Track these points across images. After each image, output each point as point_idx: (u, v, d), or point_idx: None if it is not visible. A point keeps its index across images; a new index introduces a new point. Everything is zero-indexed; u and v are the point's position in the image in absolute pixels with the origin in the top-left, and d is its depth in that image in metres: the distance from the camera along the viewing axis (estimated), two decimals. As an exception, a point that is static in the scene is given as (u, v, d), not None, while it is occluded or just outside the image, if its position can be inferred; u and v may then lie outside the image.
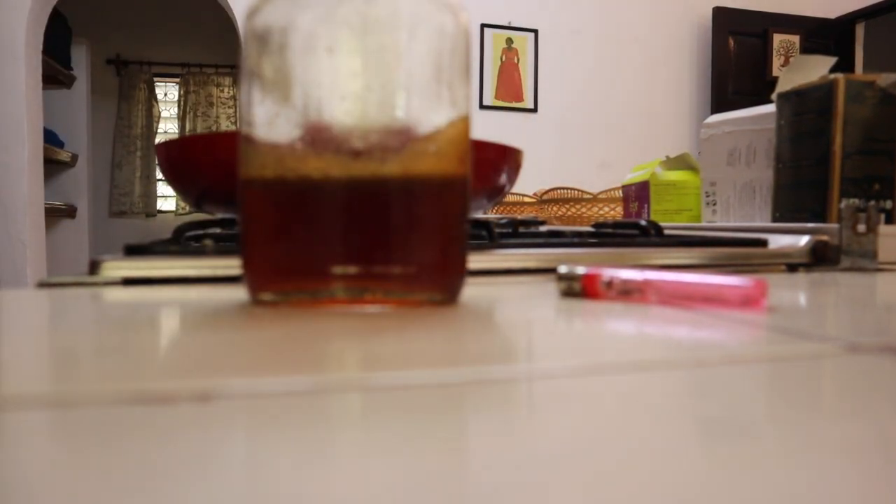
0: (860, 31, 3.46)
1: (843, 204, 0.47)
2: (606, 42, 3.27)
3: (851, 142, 0.59)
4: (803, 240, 0.47)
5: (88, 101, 3.74)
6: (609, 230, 0.57)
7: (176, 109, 4.56)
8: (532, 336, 0.23)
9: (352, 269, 0.26)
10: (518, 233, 0.54)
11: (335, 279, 0.26)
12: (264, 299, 0.28)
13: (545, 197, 1.37)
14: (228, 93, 4.54)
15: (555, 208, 1.31)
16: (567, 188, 1.34)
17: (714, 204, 0.83)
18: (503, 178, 0.53)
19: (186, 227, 0.47)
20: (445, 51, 0.27)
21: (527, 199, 1.56)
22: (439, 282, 0.28)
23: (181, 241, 0.45)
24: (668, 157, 1.00)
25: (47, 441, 0.13)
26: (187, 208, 4.34)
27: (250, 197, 0.28)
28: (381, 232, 0.27)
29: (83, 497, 0.10)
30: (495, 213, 1.47)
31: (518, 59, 3.17)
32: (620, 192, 1.18)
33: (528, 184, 1.61)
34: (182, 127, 4.51)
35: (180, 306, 0.30)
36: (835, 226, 0.47)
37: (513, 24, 3.15)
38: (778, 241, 0.47)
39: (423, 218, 0.27)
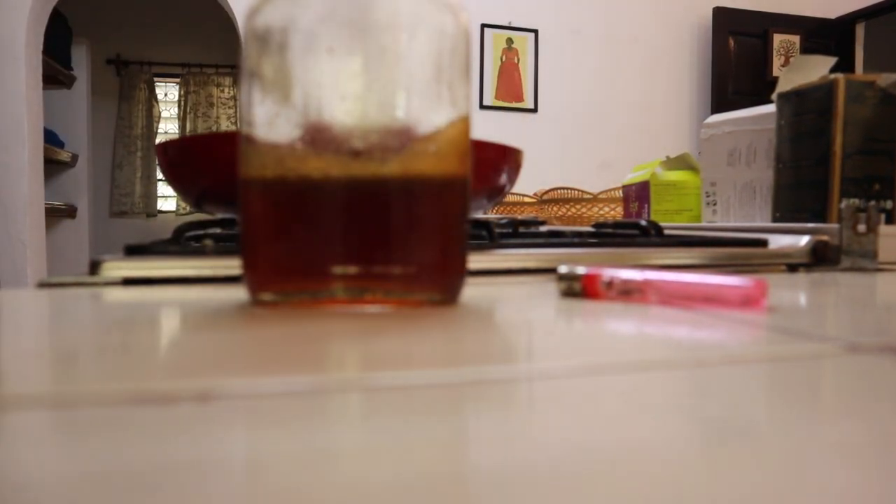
0: (860, 31, 3.46)
1: (844, 204, 0.47)
2: (606, 42, 3.27)
3: (851, 142, 0.59)
4: (803, 240, 0.47)
5: (88, 101, 3.74)
6: (609, 230, 0.57)
7: (176, 110, 4.56)
8: (532, 336, 0.23)
9: (352, 270, 0.26)
10: (518, 233, 0.54)
11: (335, 279, 0.26)
12: (264, 299, 0.28)
13: (545, 197, 1.37)
14: (228, 93, 4.54)
15: (555, 208, 1.31)
16: (567, 188, 1.34)
17: (714, 204, 0.83)
18: (503, 178, 0.53)
19: (186, 227, 0.47)
20: (445, 51, 0.27)
21: (527, 200, 1.56)
22: (439, 282, 0.28)
23: (181, 242, 0.45)
24: (668, 157, 1.00)
25: (47, 441, 0.13)
26: (188, 208, 4.34)
27: (250, 197, 0.28)
28: (381, 232, 0.27)
29: (83, 497, 0.10)
30: (495, 213, 1.47)
31: (518, 60, 3.17)
32: (620, 192, 1.18)
33: (528, 184, 1.61)
34: (182, 127, 4.52)
35: (180, 306, 0.30)
36: (835, 226, 0.47)
37: (513, 24, 3.15)
38: (778, 242, 0.47)
39: (423, 218, 0.27)
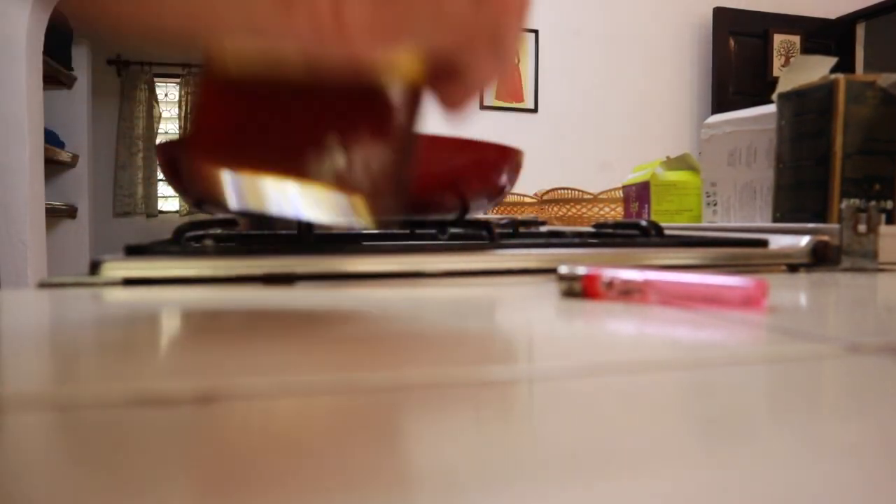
0: (861, 31, 3.46)
1: (844, 204, 0.47)
2: (607, 42, 3.27)
3: (852, 142, 0.59)
4: (804, 240, 0.47)
5: (89, 101, 3.75)
6: (609, 230, 0.57)
7: (177, 110, 4.57)
8: (533, 336, 0.23)
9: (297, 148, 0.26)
10: (518, 233, 0.54)
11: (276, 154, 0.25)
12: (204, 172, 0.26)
13: (545, 197, 1.37)
14: (229, 93, 4.54)
15: (555, 209, 1.31)
16: (567, 188, 1.33)
17: (715, 204, 0.83)
18: (503, 179, 0.53)
19: (187, 227, 0.47)
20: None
21: (527, 200, 1.56)
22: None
23: (181, 242, 0.45)
24: (668, 157, 1.00)
25: (47, 441, 0.13)
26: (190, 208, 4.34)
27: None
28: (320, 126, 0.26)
29: (83, 498, 0.10)
30: (495, 214, 1.47)
31: (518, 60, 3.17)
32: (621, 192, 1.18)
33: (528, 184, 1.60)
34: (183, 127, 4.51)
35: (180, 306, 0.30)
36: (835, 226, 0.47)
37: (513, 25, 3.15)
38: (778, 242, 0.47)
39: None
